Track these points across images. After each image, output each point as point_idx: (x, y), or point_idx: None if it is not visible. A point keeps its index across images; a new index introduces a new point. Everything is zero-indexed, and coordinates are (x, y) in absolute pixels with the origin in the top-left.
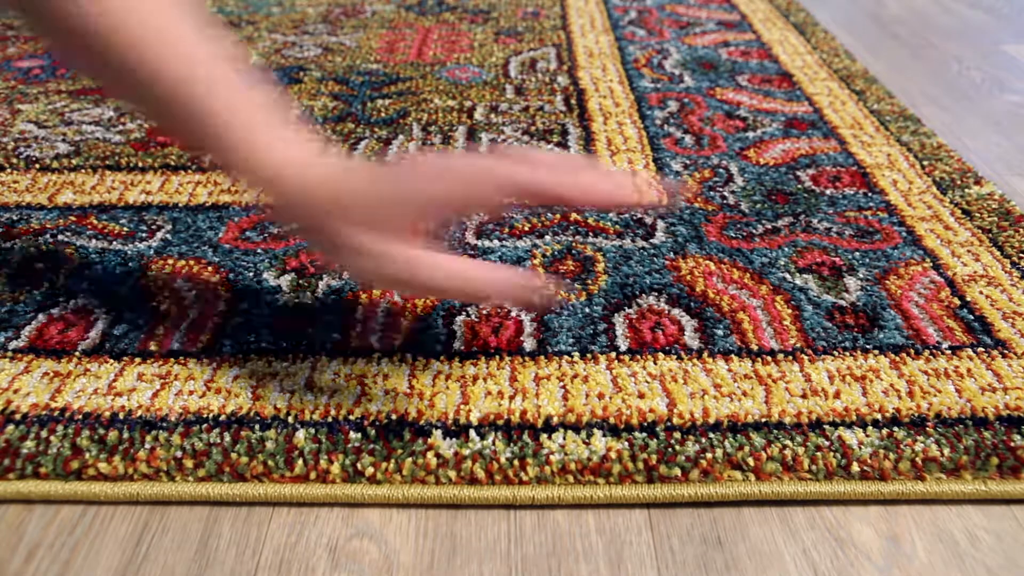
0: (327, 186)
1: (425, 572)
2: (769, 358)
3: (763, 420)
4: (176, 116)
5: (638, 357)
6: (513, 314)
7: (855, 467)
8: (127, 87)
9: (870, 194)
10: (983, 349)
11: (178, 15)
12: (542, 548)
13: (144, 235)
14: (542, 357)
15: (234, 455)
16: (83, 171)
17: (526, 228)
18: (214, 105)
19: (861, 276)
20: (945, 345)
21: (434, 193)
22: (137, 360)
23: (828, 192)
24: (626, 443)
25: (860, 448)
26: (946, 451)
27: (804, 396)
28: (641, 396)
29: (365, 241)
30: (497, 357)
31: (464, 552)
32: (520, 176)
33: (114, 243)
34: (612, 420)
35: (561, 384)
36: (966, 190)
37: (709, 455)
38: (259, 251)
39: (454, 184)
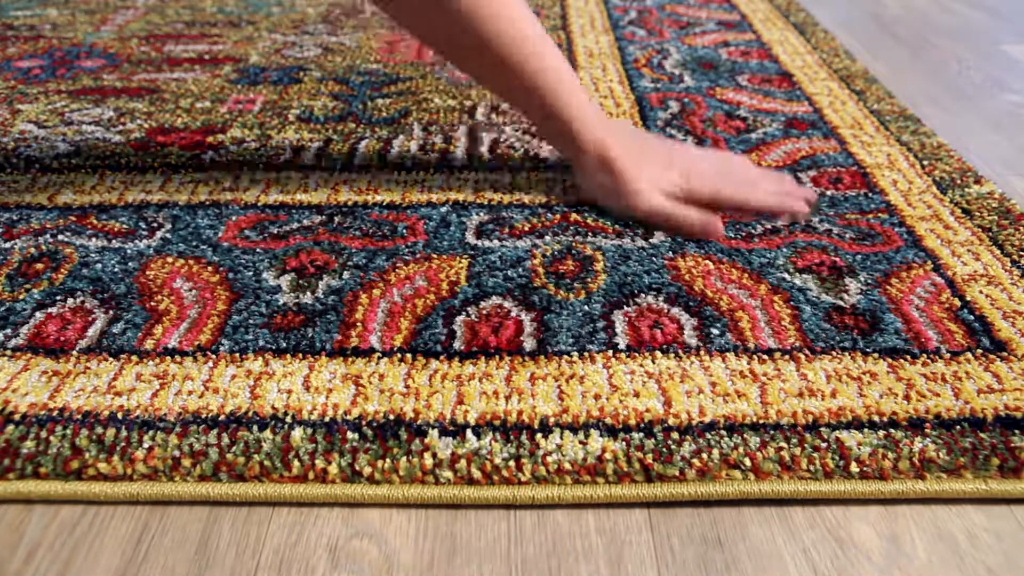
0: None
1: (425, 572)
2: (766, 357)
3: (759, 421)
4: (524, 89)
5: (636, 355)
6: (513, 314)
7: (854, 467)
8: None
9: (870, 195)
10: (982, 352)
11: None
12: (542, 548)
13: (144, 234)
14: (542, 357)
15: (231, 455)
16: (83, 171)
17: (526, 228)
18: (554, 83)
19: (862, 280)
20: (944, 349)
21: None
22: (136, 359)
23: (829, 193)
24: (623, 443)
25: (858, 448)
26: (943, 453)
27: (801, 396)
28: (637, 395)
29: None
30: (497, 357)
31: (464, 552)
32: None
33: (114, 241)
34: (609, 420)
35: (557, 384)
36: (966, 189)
37: (705, 455)
38: (259, 250)
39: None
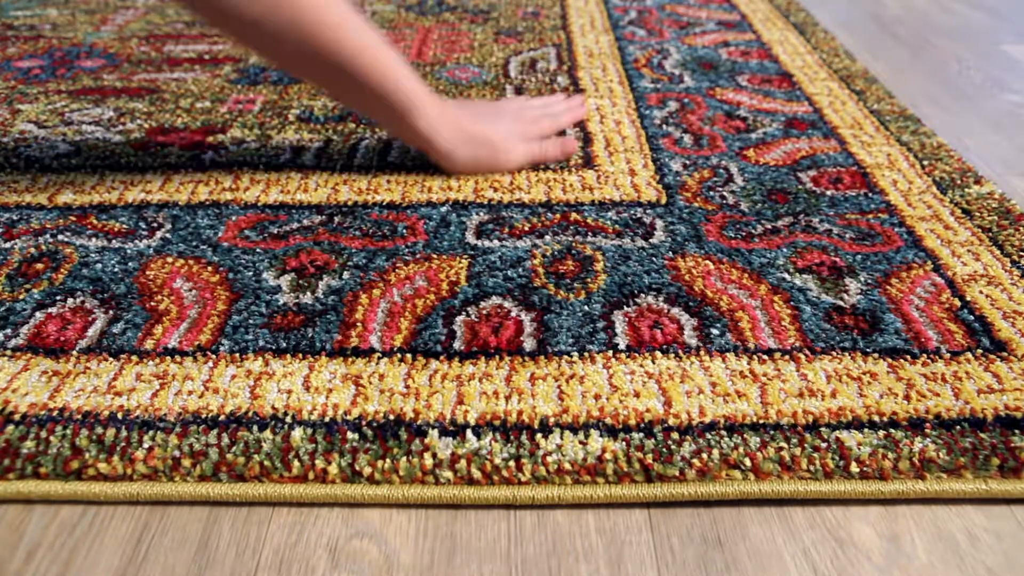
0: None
1: (425, 572)
2: (766, 357)
3: (759, 421)
4: (348, 82)
5: (636, 355)
6: (513, 314)
7: (854, 467)
8: (303, 64)
9: (870, 195)
10: (982, 352)
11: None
12: (542, 548)
13: (144, 234)
14: (541, 357)
15: (231, 455)
16: (83, 171)
17: (526, 228)
18: (376, 69)
19: (862, 280)
20: (944, 349)
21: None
22: (136, 359)
23: (829, 193)
24: (623, 443)
25: (858, 448)
26: (943, 453)
27: (801, 396)
28: (637, 396)
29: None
30: (497, 357)
31: (464, 552)
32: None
33: (113, 242)
34: (609, 420)
35: (557, 384)
36: (966, 190)
37: (705, 455)
38: (259, 250)
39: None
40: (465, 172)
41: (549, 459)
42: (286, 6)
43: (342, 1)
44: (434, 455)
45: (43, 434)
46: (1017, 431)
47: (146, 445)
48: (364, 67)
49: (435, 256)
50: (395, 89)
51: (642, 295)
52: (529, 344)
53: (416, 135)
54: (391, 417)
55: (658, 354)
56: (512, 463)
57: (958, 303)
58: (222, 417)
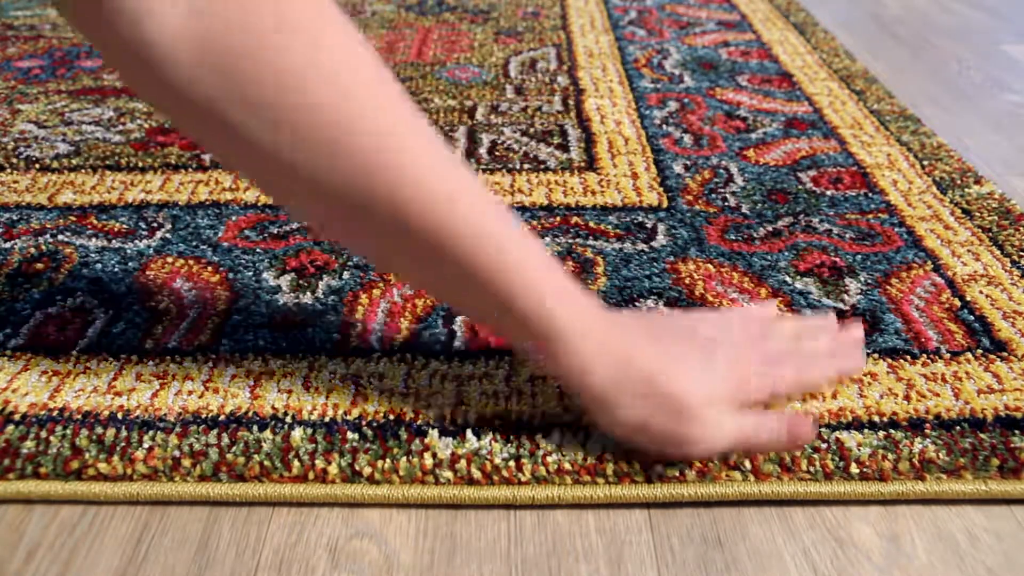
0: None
1: (425, 572)
2: None
3: None
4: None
5: None
6: None
7: (854, 468)
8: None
9: (870, 195)
10: (982, 352)
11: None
12: (542, 548)
13: (144, 234)
14: None
15: (231, 455)
16: (83, 171)
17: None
18: (502, 262)
19: (862, 280)
20: (944, 349)
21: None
22: (136, 359)
23: (829, 193)
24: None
25: (858, 449)
26: (943, 454)
27: (801, 398)
28: None
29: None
30: (497, 357)
31: (464, 552)
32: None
33: (113, 242)
34: None
35: (557, 384)
36: (966, 190)
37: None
38: (259, 250)
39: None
40: (626, 439)
41: (549, 459)
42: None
43: (445, 153)
44: (434, 455)
45: (43, 434)
46: (1017, 431)
47: (146, 445)
48: (488, 265)
49: None
50: (538, 306)
51: (642, 299)
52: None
53: (557, 369)
54: (391, 417)
55: None
56: (512, 463)
57: (958, 303)
58: (222, 417)
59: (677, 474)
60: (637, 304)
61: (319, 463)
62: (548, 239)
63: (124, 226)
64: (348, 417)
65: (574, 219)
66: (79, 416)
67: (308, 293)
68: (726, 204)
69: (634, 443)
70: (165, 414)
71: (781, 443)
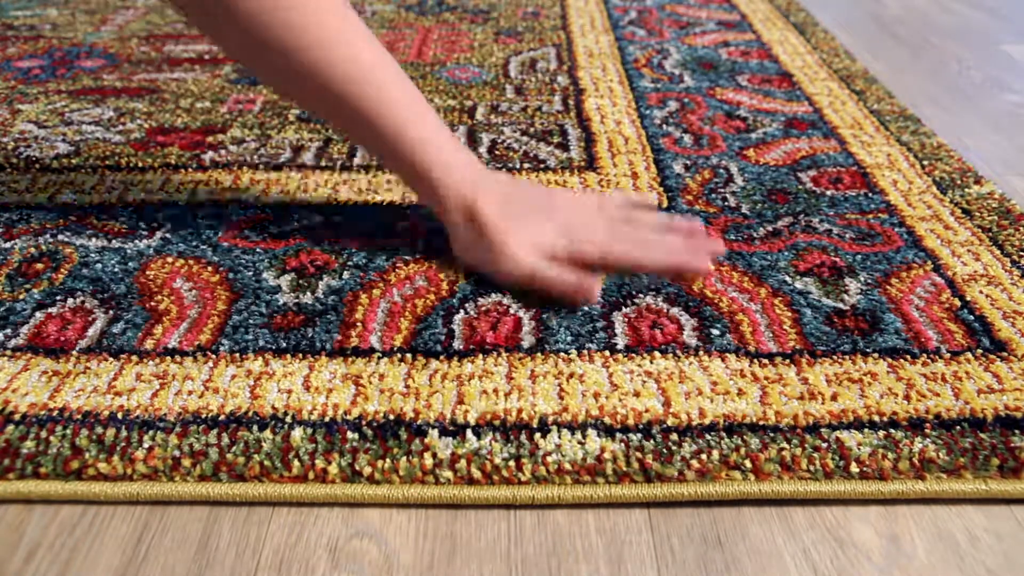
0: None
1: (425, 572)
2: (767, 361)
3: (759, 422)
4: (348, 114)
5: (634, 355)
6: (512, 312)
7: (854, 467)
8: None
9: (870, 195)
10: (982, 352)
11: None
12: (542, 548)
13: (144, 234)
14: (539, 354)
15: (231, 455)
16: (83, 171)
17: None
18: (382, 106)
19: (862, 280)
20: (944, 349)
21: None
22: (136, 359)
23: (829, 193)
24: (621, 444)
25: (858, 448)
26: (943, 453)
27: (801, 398)
28: (637, 395)
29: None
30: (495, 354)
31: (464, 552)
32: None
33: (114, 242)
34: (607, 420)
35: (557, 382)
36: (966, 190)
37: (705, 456)
38: (259, 250)
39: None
40: (464, 260)
41: (549, 459)
42: (290, 25)
43: (353, 19)
44: (434, 455)
45: (43, 434)
46: (1017, 431)
47: (146, 445)
48: (381, 109)
49: (435, 256)
50: (413, 141)
51: (641, 295)
52: (528, 341)
53: (429, 199)
54: (391, 417)
55: (657, 354)
56: (512, 463)
57: (958, 303)
58: (222, 417)
59: (677, 474)
60: (636, 301)
61: (319, 463)
62: None
63: (124, 226)
64: (348, 417)
65: None
66: (79, 416)
67: (308, 293)
68: (726, 204)
69: (467, 262)
70: (165, 414)
71: (568, 292)
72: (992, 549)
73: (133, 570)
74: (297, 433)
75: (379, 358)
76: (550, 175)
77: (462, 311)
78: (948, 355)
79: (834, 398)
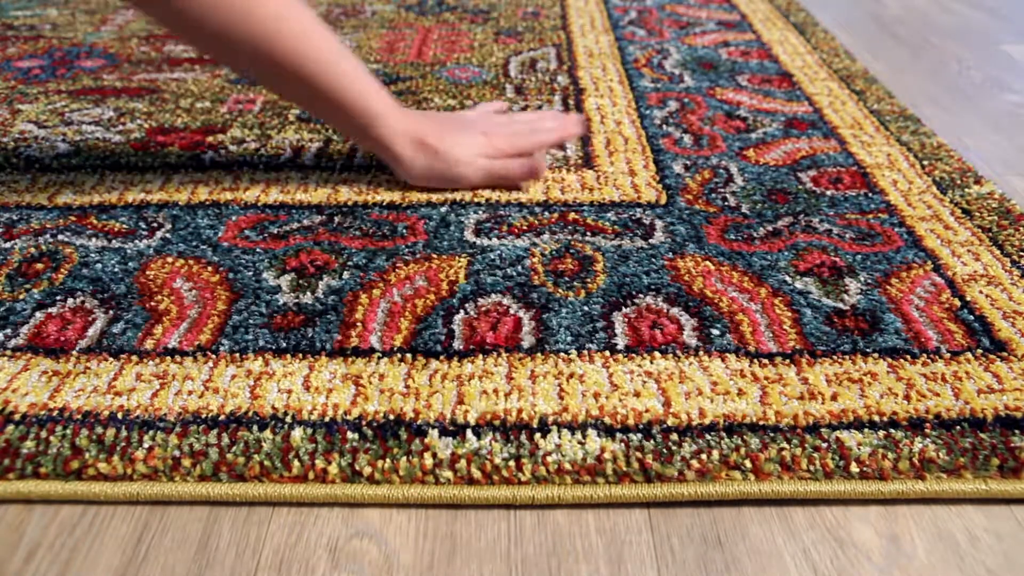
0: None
1: (425, 572)
2: (767, 361)
3: (759, 422)
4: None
5: (634, 355)
6: (512, 311)
7: (854, 467)
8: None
9: (870, 195)
10: (982, 352)
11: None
12: (542, 548)
13: (144, 234)
14: (539, 354)
15: (231, 455)
16: (83, 171)
17: (524, 227)
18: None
19: (862, 280)
20: (944, 349)
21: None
22: (136, 359)
23: (829, 193)
24: (622, 444)
25: (858, 448)
26: (943, 453)
27: (801, 398)
28: (637, 395)
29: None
30: (495, 354)
31: (464, 552)
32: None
33: (113, 242)
34: (607, 420)
35: (557, 382)
36: (966, 190)
37: (705, 456)
38: (259, 250)
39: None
40: (420, 184)
41: (549, 459)
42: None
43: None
44: (434, 455)
45: (43, 434)
46: (1017, 431)
47: (146, 445)
48: (323, 74)
49: (435, 256)
50: (356, 97)
51: (641, 295)
52: (528, 341)
53: (376, 143)
54: (391, 417)
55: (657, 354)
56: (512, 463)
57: (958, 303)
58: (222, 417)
59: (677, 474)
60: (636, 301)
61: (319, 463)
62: (546, 235)
63: (124, 226)
64: (348, 417)
65: (571, 215)
66: (79, 416)
67: (308, 293)
68: (726, 204)
69: (424, 186)
70: (165, 414)
71: (523, 173)
72: (992, 549)
73: (133, 570)
74: (297, 433)
75: (379, 358)
76: (548, 173)
77: (462, 311)
78: (948, 355)
79: (834, 398)
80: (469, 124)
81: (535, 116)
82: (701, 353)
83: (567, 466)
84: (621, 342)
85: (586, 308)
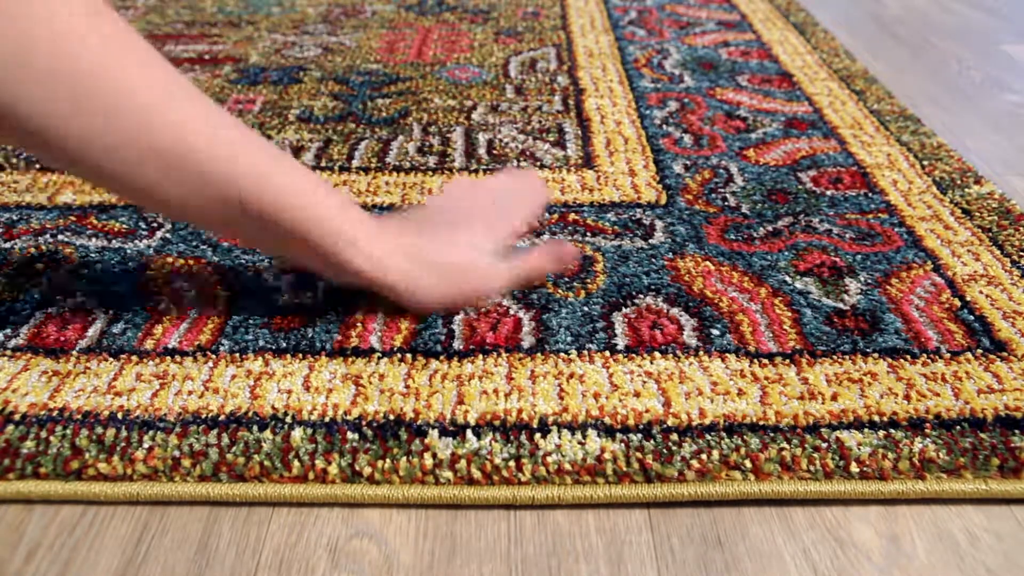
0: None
1: (425, 572)
2: (767, 361)
3: (759, 422)
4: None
5: (634, 355)
6: (512, 312)
7: (854, 467)
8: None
9: (870, 195)
10: (982, 352)
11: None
12: (542, 548)
13: (144, 234)
14: (539, 354)
15: (231, 455)
16: None
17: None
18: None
19: (862, 280)
20: (944, 349)
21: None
22: (136, 359)
23: (829, 193)
24: (622, 444)
25: (858, 448)
26: (943, 453)
27: (801, 398)
28: (637, 395)
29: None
30: (495, 354)
31: (464, 552)
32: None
33: (113, 241)
34: (607, 420)
35: (557, 382)
36: (966, 190)
37: (705, 456)
38: (258, 250)
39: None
40: (438, 309)
41: (549, 459)
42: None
43: (222, 113)
44: (434, 455)
45: (43, 434)
46: (1017, 431)
47: (146, 445)
48: (270, 204)
49: None
50: (317, 225)
51: (641, 295)
52: (528, 341)
53: (358, 276)
54: (391, 417)
55: (657, 354)
56: (512, 463)
57: (958, 303)
58: (222, 417)
59: (677, 474)
60: (636, 301)
61: (319, 463)
62: (546, 235)
63: (124, 226)
64: (348, 417)
65: (571, 216)
66: (79, 416)
67: (308, 293)
68: (726, 204)
69: (438, 310)
70: (165, 414)
71: (552, 265)
72: (992, 549)
73: (133, 570)
74: (297, 433)
75: (379, 358)
76: (547, 173)
77: (462, 311)
78: (948, 355)
79: (834, 398)
80: (458, 217)
81: (504, 181)
82: (701, 353)
83: (567, 466)
84: (621, 342)
85: (586, 308)
